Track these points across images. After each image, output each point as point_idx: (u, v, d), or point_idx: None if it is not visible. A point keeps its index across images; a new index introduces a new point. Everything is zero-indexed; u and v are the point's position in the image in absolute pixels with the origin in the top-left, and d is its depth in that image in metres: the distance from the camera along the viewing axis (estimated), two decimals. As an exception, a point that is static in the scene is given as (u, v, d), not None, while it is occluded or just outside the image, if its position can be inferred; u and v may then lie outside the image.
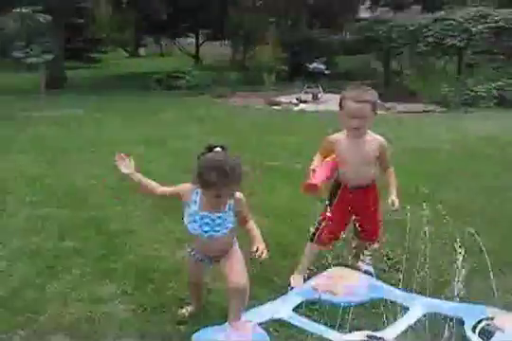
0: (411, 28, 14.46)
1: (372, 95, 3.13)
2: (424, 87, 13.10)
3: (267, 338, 2.62)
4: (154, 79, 16.88)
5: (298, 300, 2.99)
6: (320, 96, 12.99)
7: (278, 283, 3.28)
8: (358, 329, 2.70)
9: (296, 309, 2.93)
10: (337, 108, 3.20)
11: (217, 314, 2.85)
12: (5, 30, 14.09)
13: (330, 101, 11.31)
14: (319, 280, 3.17)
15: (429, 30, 14.15)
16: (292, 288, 3.21)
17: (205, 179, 2.44)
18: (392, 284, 3.14)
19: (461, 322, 2.73)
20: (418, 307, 2.92)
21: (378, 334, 2.63)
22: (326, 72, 14.18)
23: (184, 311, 2.93)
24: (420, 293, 2.92)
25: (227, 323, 2.70)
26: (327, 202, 3.24)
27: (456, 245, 2.58)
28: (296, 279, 3.32)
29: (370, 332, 2.65)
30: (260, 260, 2.59)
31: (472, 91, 12.19)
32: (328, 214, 3.14)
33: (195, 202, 2.60)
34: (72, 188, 5.46)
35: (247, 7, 20.69)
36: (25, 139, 8.17)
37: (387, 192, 3.23)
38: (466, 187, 5.35)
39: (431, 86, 12.83)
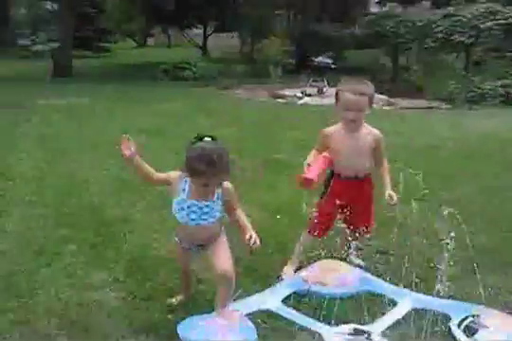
0: (420, 24, 14.38)
1: (368, 87, 3.12)
2: (430, 83, 13.04)
3: (255, 333, 2.62)
4: (161, 69, 16.89)
5: (287, 292, 3.00)
6: (325, 90, 12.95)
7: (272, 277, 3.26)
8: (346, 322, 2.70)
9: (285, 301, 2.93)
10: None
11: (206, 304, 2.86)
12: (12, 18, 14.14)
13: (335, 96, 11.25)
14: (309, 272, 3.17)
15: (438, 26, 14.08)
16: (281, 278, 3.22)
17: (193, 168, 2.45)
18: (382, 278, 3.15)
19: (448, 318, 2.74)
20: (407, 302, 2.92)
21: (365, 328, 2.64)
22: (333, 66, 14.13)
23: (173, 300, 2.95)
24: (410, 288, 2.93)
25: (214, 312, 2.71)
26: (321, 192, 3.24)
27: (449, 241, 2.57)
28: (287, 271, 3.33)
29: (357, 326, 2.66)
30: (253, 248, 2.60)
31: (479, 88, 12.13)
32: (320, 205, 3.15)
33: (184, 190, 2.61)
34: (72, 176, 5.49)
35: (257, -1, 20.61)
36: (28, 126, 8.19)
37: (381, 185, 3.22)
38: (467, 186, 5.31)
39: (438, 83, 12.78)
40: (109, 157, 5.88)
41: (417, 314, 2.73)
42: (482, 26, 13.33)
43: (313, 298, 2.87)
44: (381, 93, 10.69)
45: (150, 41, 37.48)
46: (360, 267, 3.37)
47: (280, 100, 12.66)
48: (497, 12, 13.48)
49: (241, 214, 2.71)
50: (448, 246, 2.54)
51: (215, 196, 2.61)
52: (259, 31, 19.39)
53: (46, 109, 9.92)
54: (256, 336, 2.59)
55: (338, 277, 3.12)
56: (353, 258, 3.48)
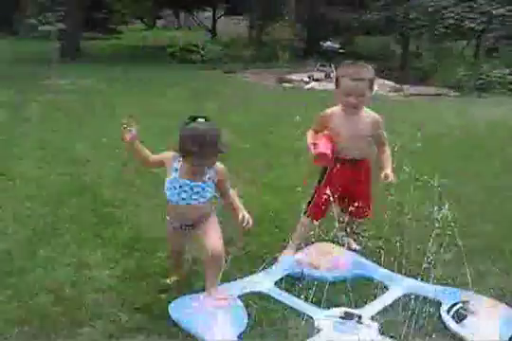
0: (431, 10, 14.17)
1: (369, 72, 3.09)
2: (439, 71, 12.91)
3: (245, 313, 2.64)
4: (169, 52, 16.80)
5: (280, 274, 3.01)
6: (332, 75, 12.83)
7: (264, 259, 3.24)
8: (337, 305, 2.72)
9: (277, 283, 2.95)
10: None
11: (200, 285, 2.88)
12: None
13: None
14: (303, 254, 3.18)
15: (450, 12, 13.86)
16: (276, 260, 3.23)
17: (186, 148, 2.46)
18: (375, 262, 3.15)
19: (439, 304, 2.75)
20: (399, 287, 2.93)
21: (356, 312, 2.65)
22: (341, 51, 14.00)
23: (168, 280, 2.97)
24: (403, 273, 2.94)
25: (204, 292, 2.74)
26: (319, 175, 3.23)
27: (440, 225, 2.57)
28: (286, 254, 3.34)
29: (348, 309, 2.68)
30: (246, 228, 2.62)
31: (488, 76, 11.99)
32: (318, 188, 3.15)
33: (176, 169, 2.63)
34: (74, 154, 5.55)
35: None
36: (35, 106, 8.19)
37: (380, 168, 3.19)
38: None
39: (447, 70, 12.64)
40: (108, 138, 5.90)
41: (408, 298, 2.73)
42: (494, 12, 13.11)
43: (305, 281, 2.88)
44: (389, 79, 10.64)
45: (159, 23, 37.26)
46: (356, 251, 3.37)
47: (286, 85, 12.59)
48: (510, -2, 13.29)
49: (234, 196, 2.72)
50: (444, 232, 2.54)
51: (207, 176, 2.62)
52: (269, 14, 19.19)
53: (50, 89, 9.87)
54: (246, 317, 2.61)
55: (330, 259, 3.14)
56: (351, 241, 3.48)
